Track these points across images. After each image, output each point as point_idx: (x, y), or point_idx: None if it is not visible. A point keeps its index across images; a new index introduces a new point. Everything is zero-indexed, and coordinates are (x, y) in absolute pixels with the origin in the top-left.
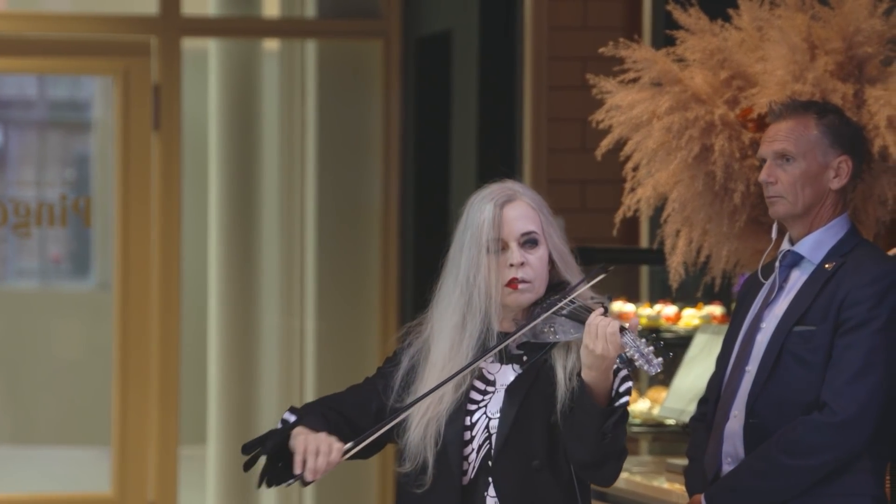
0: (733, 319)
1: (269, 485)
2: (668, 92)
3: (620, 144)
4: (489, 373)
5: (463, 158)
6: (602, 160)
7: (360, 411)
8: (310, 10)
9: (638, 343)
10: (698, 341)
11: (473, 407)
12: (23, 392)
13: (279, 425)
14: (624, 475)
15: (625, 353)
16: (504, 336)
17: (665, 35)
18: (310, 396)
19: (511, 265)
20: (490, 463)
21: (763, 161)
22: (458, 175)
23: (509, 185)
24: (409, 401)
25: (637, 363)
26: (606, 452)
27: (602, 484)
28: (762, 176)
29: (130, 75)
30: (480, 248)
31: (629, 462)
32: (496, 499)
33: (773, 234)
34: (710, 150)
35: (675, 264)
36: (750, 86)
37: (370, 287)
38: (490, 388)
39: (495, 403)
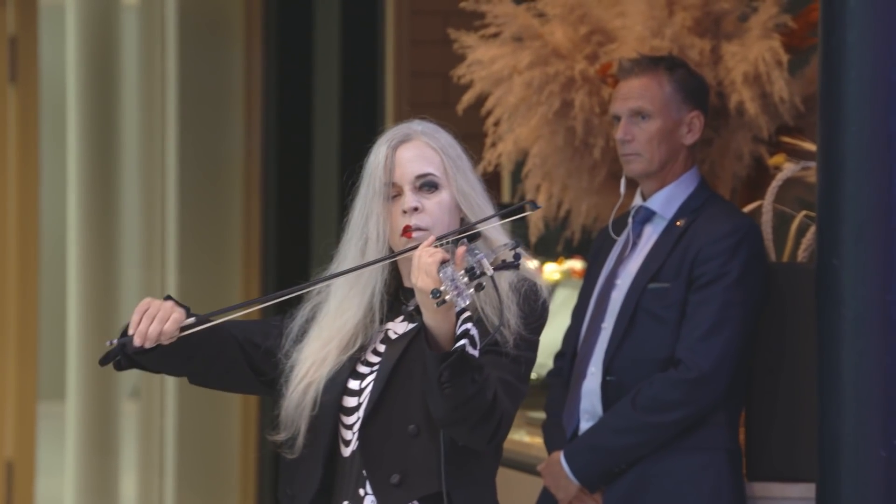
0: (587, 274)
1: (102, 362)
2: (528, 47)
3: (482, 100)
4: (394, 333)
5: (325, 113)
6: (463, 115)
7: (256, 329)
8: None
9: (455, 275)
10: (559, 296)
11: (366, 370)
12: None
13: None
14: None
15: (439, 286)
16: (404, 290)
17: None
18: None
19: (404, 212)
20: None
21: (616, 118)
22: (320, 129)
23: (410, 124)
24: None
25: (448, 296)
26: (457, 407)
27: (474, 446)
28: (619, 134)
29: None
30: (374, 195)
31: None
32: (364, 469)
33: (622, 189)
34: (570, 105)
35: (536, 219)
36: (609, 41)
37: (232, 241)
38: None
39: None
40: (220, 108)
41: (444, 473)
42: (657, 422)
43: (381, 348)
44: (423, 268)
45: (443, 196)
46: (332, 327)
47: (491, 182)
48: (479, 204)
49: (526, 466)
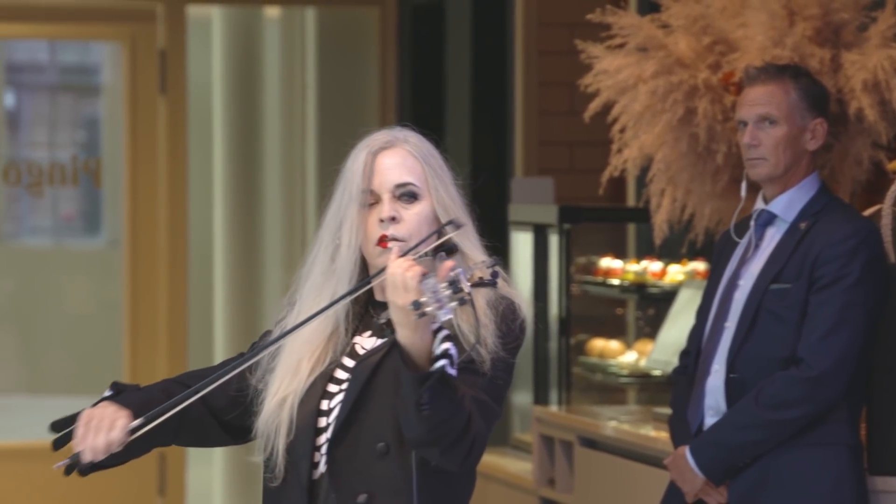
0: (711, 275)
1: (68, 471)
2: (653, 57)
3: (607, 107)
4: (362, 348)
5: (457, 122)
6: (590, 122)
7: (217, 389)
8: None
9: (437, 287)
10: (683, 296)
11: (335, 388)
12: (37, 344)
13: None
14: (612, 424)
15: (419, 298)
16: (374, 302)
17: (650, 2)
18: None
19: (381, 220)
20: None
21: (742, 124)
22: (452, 137)
23: (394, 131)
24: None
25: (428, 309)
26: (433, 429)
27: (447, 468)
28: (745, 139)
29: (138, 41)
30: (350, 201)
31: (618, 411)
32: (333, 491)
33: (743, 193)
34: (693, 112)
35: (660, 222)
36: (731, 51)
37: None
38: None
39: None
40: (356, 118)
41: (417, 494)
42: (779, 418)
43: (349, 363)
44: (402, 284)
45: (422, 207)
46: (300, 341)
47: (616, 186)
48: (459, 217)
49: (653, 460)
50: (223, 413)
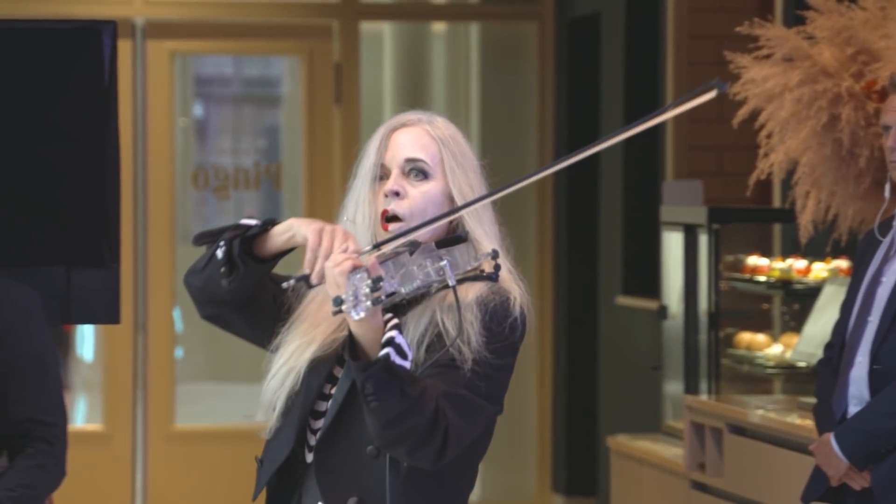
0: (855, 272)
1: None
2: (798, 66)
3: (755, 114)
4: None
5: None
6: (738, 128)
7: (269, 282)
8: None
9: (359, 285)
10: (827, 292)
11: (339, 373)
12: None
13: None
14: (759, 412)
15: (342, 294)
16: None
17: (796, 15)
18: None
19: (385, 195)
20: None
21: (886, 128)
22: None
23: (420, 113)
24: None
25: (344, 306)
26: (389, 424)
27: (421, 466)
28: (889, 143)
29: (315, 55)
30: (363, 175)
31: (764, 400)
32: (318, 490)
33: (887, 194)
34: (837, 119)
35: (805, 222)
36: (874, 60)
37: (528, 250)
38: None
39: None
40: (516, 126)
41: (391, 498)
42: None
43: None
44: (331, 278)
45: (430, 186)
46: (320, 312)
47: (762, 188)
48: (480, 209)
49: (798, 446)
50: (264, 303)
